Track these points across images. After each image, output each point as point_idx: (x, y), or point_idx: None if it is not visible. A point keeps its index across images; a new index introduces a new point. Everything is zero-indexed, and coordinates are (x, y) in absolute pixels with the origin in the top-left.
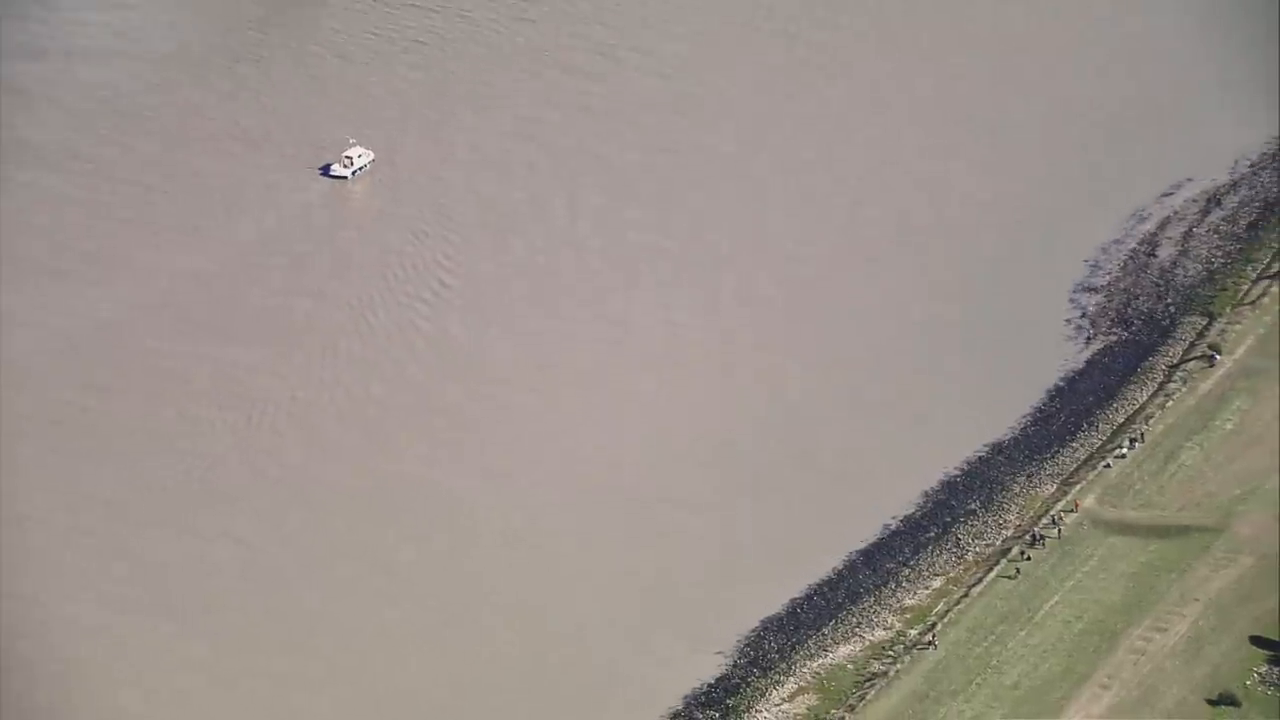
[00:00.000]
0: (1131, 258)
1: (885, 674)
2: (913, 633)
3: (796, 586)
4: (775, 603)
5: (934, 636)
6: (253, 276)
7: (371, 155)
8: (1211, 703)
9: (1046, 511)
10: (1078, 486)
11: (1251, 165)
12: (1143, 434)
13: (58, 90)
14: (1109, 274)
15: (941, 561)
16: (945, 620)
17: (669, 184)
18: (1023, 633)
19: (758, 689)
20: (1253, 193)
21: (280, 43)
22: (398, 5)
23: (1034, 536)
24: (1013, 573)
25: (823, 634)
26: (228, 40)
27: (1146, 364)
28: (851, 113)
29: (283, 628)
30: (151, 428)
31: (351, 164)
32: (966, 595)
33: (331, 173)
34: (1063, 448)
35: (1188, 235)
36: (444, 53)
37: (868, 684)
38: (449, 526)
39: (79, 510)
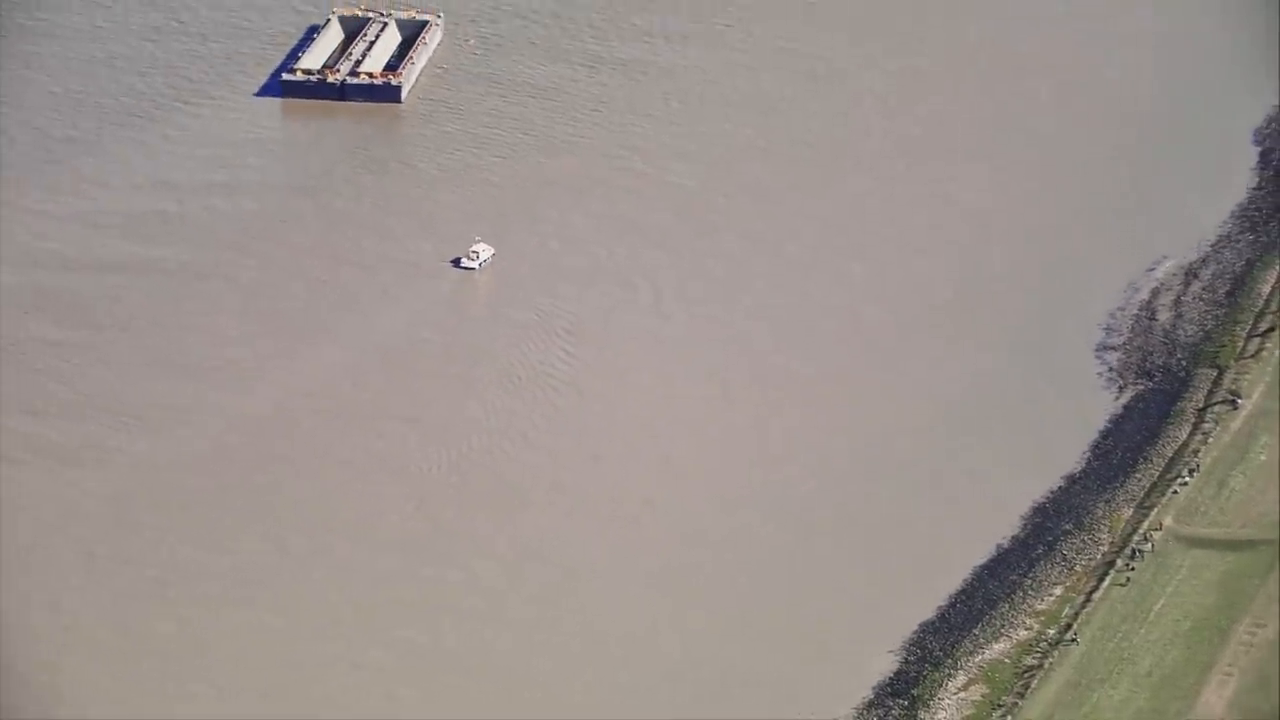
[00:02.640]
0: (1136, 321)
1: (1040, 666)
2: (1050, 632)
3: (939, 596)
4: (926, 609)
5: (1075, 634)
6: (407, 359)
7: (492, 250)
8: None
9: (1135, 530)
10: (1155, 509)
11: (1212, 245)
12: (1198, 465)
13: (194, 212)
14: (1122, 335)
15: (1056, 573)
16: (1078, 620)
17: (717, 270)
18: (1143, 630)
19: (934, 681)
20: (1221, 267)
21: (373, 168)
22: (468, 131)
23: (1133, 551)
24: (1124, 580)
25: (975, 634)
26: (330, 170)
27: (1177, 408)
28: (864, 211)
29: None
30: (329, 495)
31: (478, 257)
32: (1089, 600)
33: (462, 265)
34: (1127, 478)
35: (1178, 302)
36: (515, 168)
37: (1027, 674)
38: (597, 564)
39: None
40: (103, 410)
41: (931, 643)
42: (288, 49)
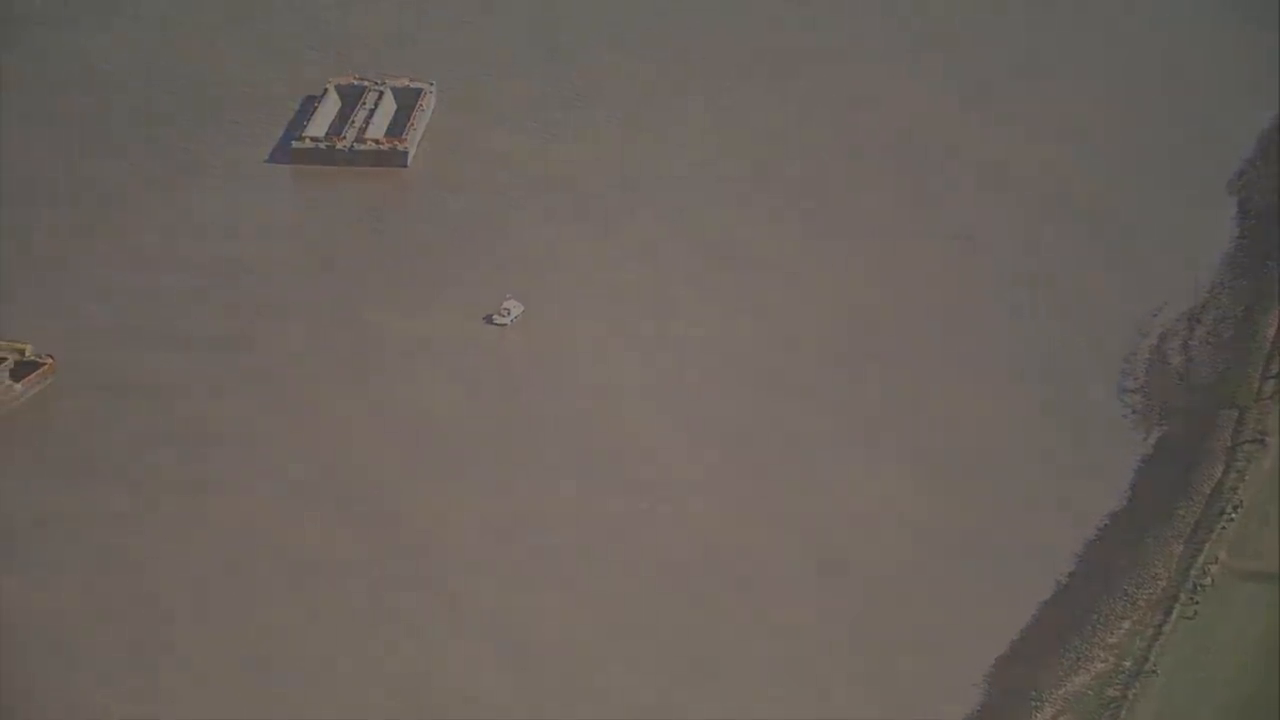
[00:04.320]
0: (1150, 365)
1: (1124, 698)
2: (1126, 664)
3: (1009, 631)
4: (999, 644)
5: (1155, 665)
6: (451, 418)
7: (522, 307)
8: None
9: (1191, 565)
10: (1207, 545)
11: (1209, 290)
12: (1240, 501)
13: (214, 284)
14: (1138, 378)
15: (1120, 607)
16: (1153, 653)
17: (731, 330)
18: (1217, 662)
19: (1022, 713)
20: (1221, 312)
21: (389, 232)
22: (474, 194)
23: (1194, 585)
24: (1191, 614)
25: (1053, 668)
26: (346, 235)
27: (1206, 448)
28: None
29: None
30: (376, 560)
31: (509, 314)
32: (1159, 633)
33: (494, 321)
34: (1171, 514)
35: (1186, 346)
36: (523, 231)
37: (1112, 705)
38: (659, 623)
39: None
40: (155, 480)
41: (1011, 675)
42: (284, 120)
